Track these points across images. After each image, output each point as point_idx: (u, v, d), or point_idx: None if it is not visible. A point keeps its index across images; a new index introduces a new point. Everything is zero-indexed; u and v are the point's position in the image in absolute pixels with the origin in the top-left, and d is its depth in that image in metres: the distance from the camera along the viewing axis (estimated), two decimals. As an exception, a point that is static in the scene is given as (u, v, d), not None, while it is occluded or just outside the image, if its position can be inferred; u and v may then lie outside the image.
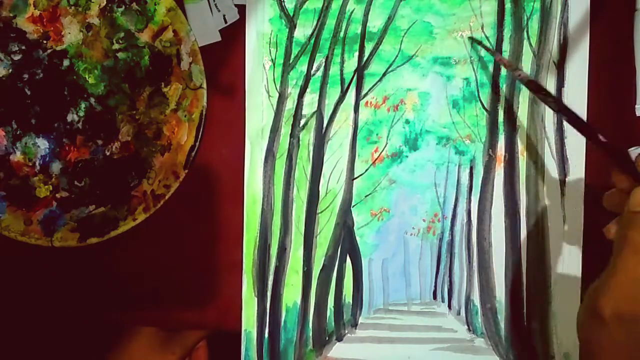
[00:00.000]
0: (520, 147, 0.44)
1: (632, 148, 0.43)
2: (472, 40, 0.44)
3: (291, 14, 0.45)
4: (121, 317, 0.46)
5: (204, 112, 0.44)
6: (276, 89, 0.45)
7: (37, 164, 0.45)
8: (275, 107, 0.45)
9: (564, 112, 0.37)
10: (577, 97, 0.43)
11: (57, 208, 0.45)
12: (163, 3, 0.44)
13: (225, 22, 0.45)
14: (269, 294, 0.45)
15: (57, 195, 0.45)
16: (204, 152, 0.45)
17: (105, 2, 0.45)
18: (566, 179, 0.43)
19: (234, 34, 0.45)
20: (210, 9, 0.44)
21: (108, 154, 0.45)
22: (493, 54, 0.43)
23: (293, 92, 0.45)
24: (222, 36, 0.44)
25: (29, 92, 0.45)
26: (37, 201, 0.45)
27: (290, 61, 0.45)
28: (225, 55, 0.45)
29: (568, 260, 0.43)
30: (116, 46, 0.45)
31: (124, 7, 0.44)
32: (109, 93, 0.45)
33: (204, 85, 0.44)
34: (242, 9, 0.45)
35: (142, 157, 0.45)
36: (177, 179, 0.44)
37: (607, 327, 0.32)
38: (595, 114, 0.43)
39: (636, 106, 0.43)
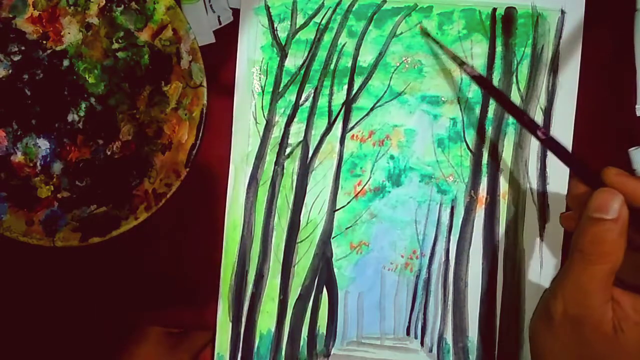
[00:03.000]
0: (502, 190, 0.44)
1: (632, 148, 0.43)
2: (421, 30, 0.44)
3: (283, 43, 0.45)
4: (124, 317, 0.46)
5: (204, 111, 0.44)
6: (264, 116, 0.45)
7: (38, 164, 0.45)
8: (261, 134, 0.45)
9: (515, 115, 0.37)
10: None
11: (59, 208, 0.45)
12: (162, 2, 0.44)
13: (220, 23, 0.45)
14: (243, 319, 0.45)
15: (59, 196, 0.45)
16: (205, 151, 0.45)
17: (104, 2, 0.45)
18: (545, 225, 0.44)
19: (227, 35, 0.45)
20: (206, 9, 0.44)
21: (109, 153, 0.45)
22: (440, 46, 0.43)
23: (280, 120, 0.45)
24: (216, 37, 0.45)
25: (29, 93, 0.45)
26: (38, 201, 0.45)
27: (280, 90, 0.45)
28: (220, 57, 0.45)
29: (542, 306, 0.43)
30: (116, 45, 0.45)
31: (123, 6, 0.45)
32: (109, 92, 0.45)
33: (204, 84, 0.44)
34: (236, 13, 0.45)
35: (143, 156, 0.45)
36: (179, 177, 0.44)
37: (556, 328, 0.32)
38: (595, 113, 0.43)
39: (636, 106, 0.43)
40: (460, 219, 0.44)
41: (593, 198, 0.31)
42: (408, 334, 0.45)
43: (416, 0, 0.44)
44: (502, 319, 0.44)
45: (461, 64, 0.41)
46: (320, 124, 0.45)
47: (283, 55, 0.45)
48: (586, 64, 0.43)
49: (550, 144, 0.34)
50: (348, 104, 0.45)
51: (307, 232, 0.45)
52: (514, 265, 0.44)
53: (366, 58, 0.45)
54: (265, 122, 0.45)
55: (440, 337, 0.45)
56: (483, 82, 0.40)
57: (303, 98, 0.45)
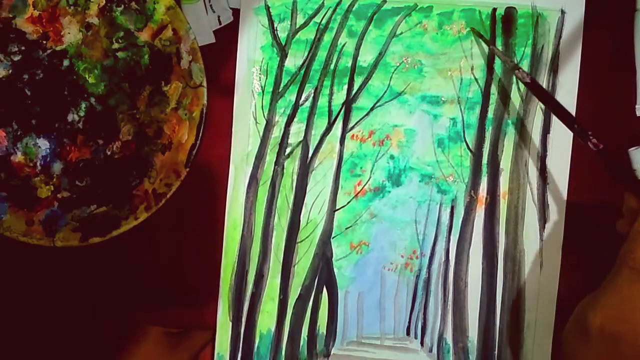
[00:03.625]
0: (502, 190, 0.44)
1: (632, 148, 0.43)
2: (473, 32, 0.44)
3: (283, 43, 0.45)
4: (124, 317, 0.46)
5: (204, 111, 0.44)
6: (264, 116, 0.45)
7: (38, 164, 0.45)
8: (261, 134, 0.45)
9: (567, 123, 0.37)
10: (561, 146, 0.43)
11: (59, 208, 0.45)
12: (162, 2, 0.44)
13: (220, 23, 0.45)
14: (243, 319, 0.45)
15: (59, 195, 0.45)
16: (205, 151, 0.45)
17: (104, 2, 0.45)
18: (545, 225, 0.44)
19: (227, 35, 0.45)
20: (206, 9, 0.44)
21: (109, 153, 0.45)
22: (492, 49, 0.43)
23: (280, 120, 0.45)
24: (216, 37, 0.45)
25: (29, 93, 0.45)
26: (38, 201, 0.45)
27: (280, 90, 0.45)
28: (220, 57, 0.45)
29: (542, 306, 0.43)
30: (116, 45, 0.45)
31: (123, 6, 0.45)
32: (109, 92, 0.45)
33: (204, 84, 0.44)
34: (236, 13, 0.45)
35: (143, 156, 0.45)
36: (179, 177, 0.44)
37: (592, 341, 0.32)
38: (595, 113, 0.43)
39: (636, 106, 0.43)
40: (460, 219, 0.44)
41: None
42: (408, 334, 0.45)
43: (416, 0, 0.44)
44: (502, 319, 0.44)
45: (514, 68, 0.41)
46: (320, 124, 0.45)
47: (283, 55, 0.45)
48: (586, 64, 0.43)
49: (603, 155, 0.34)
50: (348, 104, 0.45)
51: (307, 232, 0.45)
52: (514, 265, 0.44)
53: (366, 58, 0.45)
54: (265, 122, 0.45)
55: (440, 337, 0.45)
56: (535, 87, 0.40)
57: (303, 98, 0.45)
